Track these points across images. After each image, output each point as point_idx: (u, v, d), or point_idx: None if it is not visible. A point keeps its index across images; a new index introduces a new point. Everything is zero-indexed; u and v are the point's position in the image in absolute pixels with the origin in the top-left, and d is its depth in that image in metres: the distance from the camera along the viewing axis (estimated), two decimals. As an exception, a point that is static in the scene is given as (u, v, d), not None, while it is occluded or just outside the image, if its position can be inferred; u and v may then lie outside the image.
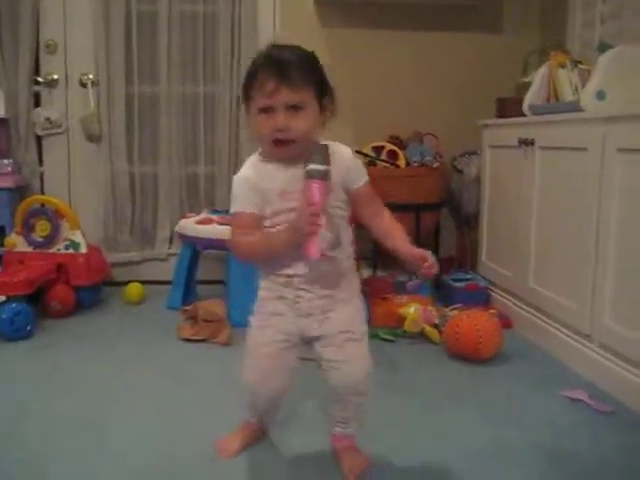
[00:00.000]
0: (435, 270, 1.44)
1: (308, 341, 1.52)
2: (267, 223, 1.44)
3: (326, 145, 1.37)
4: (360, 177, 1.49)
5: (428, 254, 1.45)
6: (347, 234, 1.50)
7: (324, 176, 1.34)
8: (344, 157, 1.46)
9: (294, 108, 1.37)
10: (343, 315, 1.49)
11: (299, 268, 1.43)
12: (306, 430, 1.76)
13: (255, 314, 1.53)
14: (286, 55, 1.38)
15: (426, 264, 1.44)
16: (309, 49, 1.45)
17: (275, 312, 1.49)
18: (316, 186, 1.34)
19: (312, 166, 1.34)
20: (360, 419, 1.58)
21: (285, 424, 1.78)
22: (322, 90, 1.43)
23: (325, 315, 1.48)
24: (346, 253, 1.50)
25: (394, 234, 1.53)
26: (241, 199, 1.46)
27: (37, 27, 3.17)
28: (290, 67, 1.36)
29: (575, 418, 1.85)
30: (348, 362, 1.48)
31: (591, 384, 2.07)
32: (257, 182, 1.44)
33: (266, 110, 1.37)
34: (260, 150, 1.49)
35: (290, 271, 1.45)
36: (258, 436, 1.70)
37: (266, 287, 1.51)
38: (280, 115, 1.36)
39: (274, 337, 1.49)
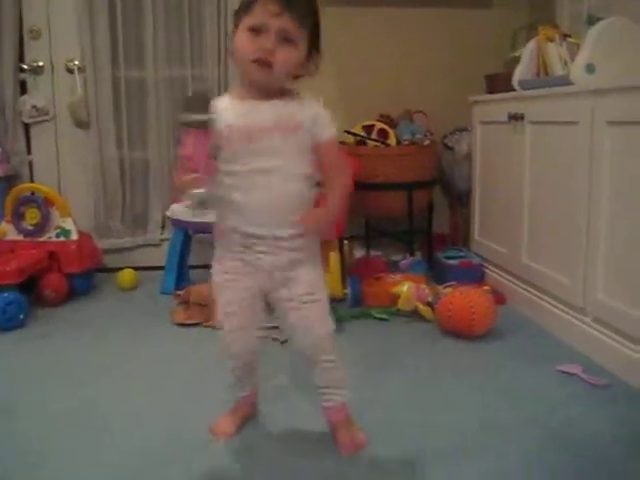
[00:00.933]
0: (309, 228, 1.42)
1: (269, 300, 1.53)
2: (236, 167, 1.41)
3: (206, 95, 1.32)
4: (323, 133, 1.44)
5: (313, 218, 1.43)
6: (301, 189, 1.45)
7: (199, 126, 1.31)
8: (307, 108, 1.42)
9: (285, 40, 1.35)
10: (304, 277, 1.49)
11: (256, 228, 1.43)
12: (300, 404, 1.78)
13: (215, 266, 1.55)
14: None
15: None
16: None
17: (235, 270, 1.50)
18: (190, 136, 1.32)
19: (187, 116, 1.31)
20: (340, 384, 1.56)
21: (276, 398, 1.80)
22: (315, 42, 1.42)
23: (286, 275, 1.48)
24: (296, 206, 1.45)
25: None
26: None
27: (20, 13, 3.13)
28: None
29: (570, 392, 1.86)
30: (308, 324, 1.48)
31: (585, 358, 2.08)
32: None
33: (257, 30, 1.35)
34: (237, 85, 1.48)
35: (248, 229, 1.44)
36: (251, 413, 1.71)
37: (225, 246, 1.51)
38: (271, 38, 1.34)
39: (234, 296, 1.51)
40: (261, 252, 1.46)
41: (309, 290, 1.48)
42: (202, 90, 1.32)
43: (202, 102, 1.31)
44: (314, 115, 1.42)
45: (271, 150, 1.40)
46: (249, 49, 1.36)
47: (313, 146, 1.43)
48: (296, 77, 1.44)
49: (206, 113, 1.30)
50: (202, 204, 1.35)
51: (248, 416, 1.70)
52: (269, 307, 1.56)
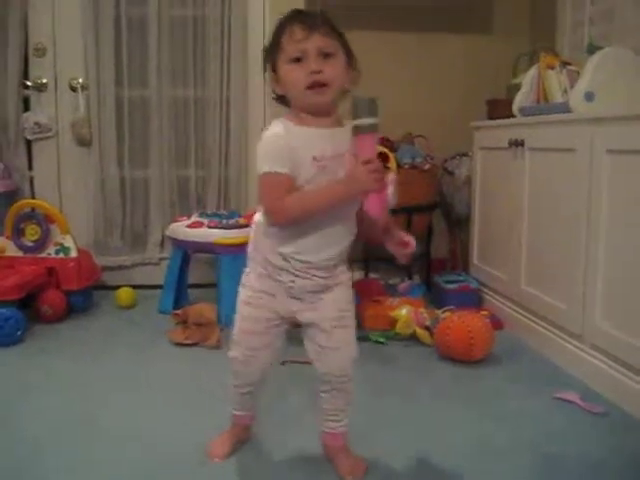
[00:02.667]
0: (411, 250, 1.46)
1: (298, 324, 1.53)
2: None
3: (373, 98, 1.31)
4: None
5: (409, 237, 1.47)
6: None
7: (375, 129, 1.30)
8: None
9: (325, 55, 1.37)
10: (334, 300, 1.50)
11: (307, 253, 1.43)
12: (294, 428, 1.77)
13: (244, 288, 1.53)
14: (311, 12, 1.43)
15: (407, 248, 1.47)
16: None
17: (265, 290, 1.49)
18: (369, 140, 1.31)
19: (363, 120, 1.29)
20: (346, 412, 1.58)
21: (272, 422, 1.79)
22: (347, 48, 1.45)
23: (317, 298, 1.49)
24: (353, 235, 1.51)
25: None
26: (274, 158, 1.36)
27: (26, 30, 3.15)
28: (318, 17, 1.40)
29: (567, 419, 1.85)
30: (337, 348, 1.50)
31: (583, 385, 2.08)
32: (289, 141, 1.37)
33: (298, 59, 1.36)
34: (288, 114, 1.44)
35: (296, 255, 1.43)
36: (245, 437, 1.70)
37: (260, 265, 1.49)
38: (312, 59, 1.35)
39: (261, 315, 1.50)
40: (297, 276, 1.45)
41: (339, 314, 1.50)
42: (368, 96, 1.31)
43: (370, 106, 1.29)
44: None
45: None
46: (300, 78, 1.36)
47: None
48: (344, 92, 1.44)
49: (375, 116, 1.30)
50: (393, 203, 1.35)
51: (242, 439, 1.69)
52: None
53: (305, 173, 1.37)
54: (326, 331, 1.49)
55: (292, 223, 1.39)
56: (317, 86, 1.36)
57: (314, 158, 1.36)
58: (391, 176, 1.31)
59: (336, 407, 1.57)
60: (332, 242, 1.45)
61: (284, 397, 1.98)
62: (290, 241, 1.42)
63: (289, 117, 1.42)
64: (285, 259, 1.44)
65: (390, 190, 1.33)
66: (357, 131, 1.31)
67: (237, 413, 1.67)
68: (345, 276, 1.54)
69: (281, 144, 1.36)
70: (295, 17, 1.39)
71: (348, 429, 1.60)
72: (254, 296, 1.50)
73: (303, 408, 1.87)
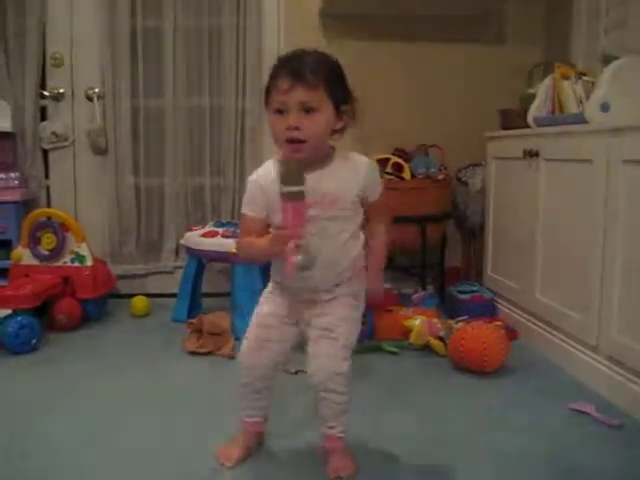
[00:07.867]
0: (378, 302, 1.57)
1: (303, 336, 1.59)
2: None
3: (300, 162, 1.37)
4: (376, 191, 1.55)
5: (380, 290, 1.58)
6: (353, 243, 1.54)
7: (298, 197, 1.34)
8: (360, 171, 1.51)
9: (307, 110, 1.40)
10: (330, 314, 1.54)
11: (297, 281, 1.51)
12: (305, 434, 1.77)
13: (263, 295, 1.63)
14: (303, 57, 1.44)
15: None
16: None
17: (277, 295, 1.60)
18: (290, 208, 1.35)
19: (286, 188, 1.34)
20: (340, 420, 1.58)
21: (287, 429, 1.79)
22: (341, 96, 1.47)
23: (321, 310, 1.54)
24: (349, 260, 1.54)
25: (372, 251, 1.60)
26: (247, 201, 1.54)
27: (43, 41, 3.19)
28: (306, 67, 1.41)
29: (582, 431, 1.84)
30: (317, 358, 1.52)
31: (598, 396, 2.06)
32: (266, 187, 1.49)
33: (281, 110, 1.41)
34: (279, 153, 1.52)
35: (291, 284, 1.55)
36: (256, 443, 1.71)
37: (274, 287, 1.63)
38: (293, 114, 1.39)
39: (274, 311, 1.58)
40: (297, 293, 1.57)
41: (328, 326, 1.52)
42: (295, 160, 1.36)
43: (295, 173, 1.34)
44: (366, 176, 1.51)
45: (329, 220, 1.48)
46: (279, 130, 1.42)
47: (364, 201, 1.54)
48: (335, 132, 1.49)
49: (300, 184, 1.34)
50: (304, 268, 1.37)
51: (254, 446, 1.70)
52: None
53: (278, 216, 1.42)
54: (313, 339, 1.53)
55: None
56: (294, 142, 1.41)
57: None
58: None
59: (325, 415, 1.58)
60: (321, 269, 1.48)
61: (295, 404, 1.98)
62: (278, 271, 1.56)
63: (278, 158, 1.51)
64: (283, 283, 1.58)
65: (296, 259, 1.36)
66: (282, 197, 1.36)
67: (247, 420, 1.68)
68: (345, 290, 1.56)
69: (256, 192, 1.52)
70: (284, 64, 1.42)
71: (344, 435, 1.60)
72: (268, 297, 1.62)
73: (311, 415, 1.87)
